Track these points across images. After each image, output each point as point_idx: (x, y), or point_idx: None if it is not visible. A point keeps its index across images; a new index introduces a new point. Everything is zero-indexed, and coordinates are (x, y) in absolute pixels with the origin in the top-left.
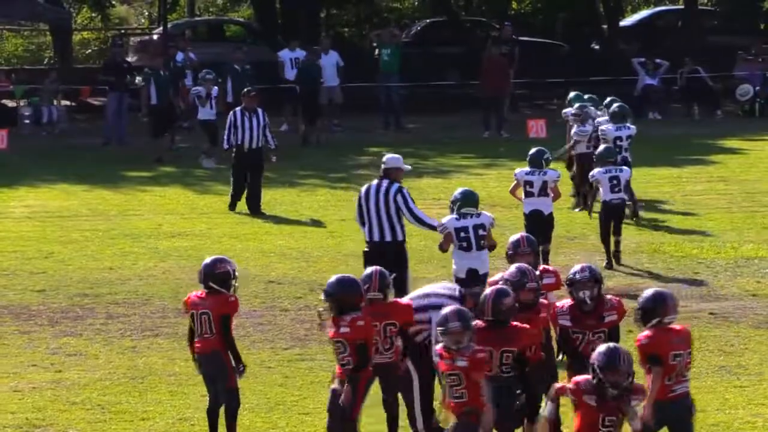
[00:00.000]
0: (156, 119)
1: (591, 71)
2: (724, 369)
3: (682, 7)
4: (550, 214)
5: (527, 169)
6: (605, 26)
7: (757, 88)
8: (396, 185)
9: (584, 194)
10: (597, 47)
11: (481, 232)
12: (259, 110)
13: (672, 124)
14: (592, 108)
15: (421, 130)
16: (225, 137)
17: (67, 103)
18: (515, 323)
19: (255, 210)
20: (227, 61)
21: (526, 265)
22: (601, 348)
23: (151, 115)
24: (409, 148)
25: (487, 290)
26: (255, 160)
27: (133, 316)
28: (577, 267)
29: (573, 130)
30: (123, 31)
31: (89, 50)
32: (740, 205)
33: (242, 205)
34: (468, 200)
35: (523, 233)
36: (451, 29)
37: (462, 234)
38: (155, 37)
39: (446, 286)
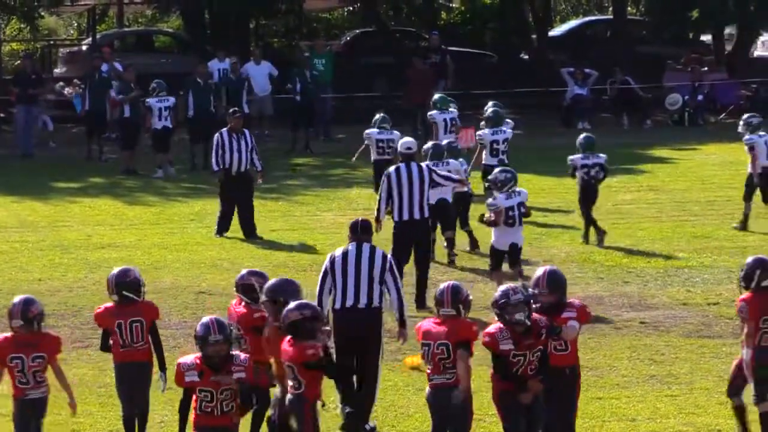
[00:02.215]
0: (126, 132)
1: (520, 81)
2: (655, 378)
3: (611, 17)
4: (452, 202)
5: (430, 162)
6: (534, 36)
7: (686, 97)
8: (424, 165)
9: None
10: (526, 57)
11: (522, 209)
12: (246, 132)
13: (601, 134)
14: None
15: (351, 140)
16: (213, 159)
17: None
18: None
19: (251, 234)
20: (157, 71)
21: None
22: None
23: (122, 128)
24: (339, 158)
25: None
26: (244, 184)
27: (63, 327)
28: (506, 289)
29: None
30: (52, 42)
31: (18, 61)
32: (670, 215)
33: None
34: (515, 179)
35: (548, 267)
36: (381, 39)
37: (510, 212)
38: (84, 48)
39: None
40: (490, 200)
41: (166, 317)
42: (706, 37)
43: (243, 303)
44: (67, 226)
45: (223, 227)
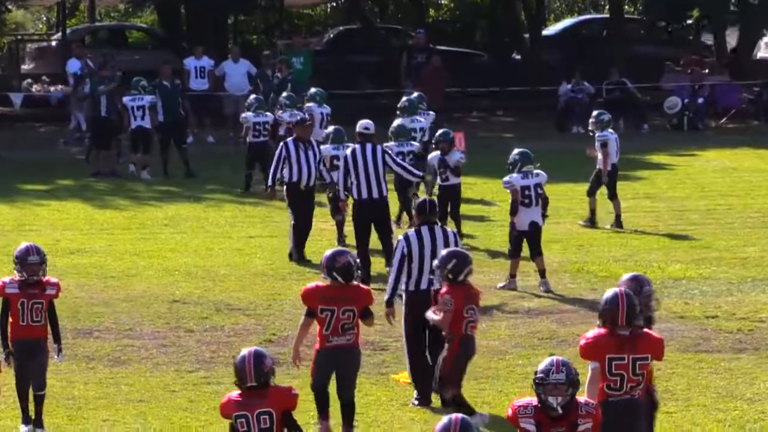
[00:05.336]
0: (99, 131)
1: (512, 82)
2: None
3: (608, 15)
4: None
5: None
6: (527, 35)
7: (686, 100)
8: (380, 146)
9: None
10: (518, 57)
11: (539, 190)
12: (313, 141)
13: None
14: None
15: None
16: (272, 172)
17: None
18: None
19: (299, 256)
20: (130, 69)
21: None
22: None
23: (95, 127)
24: None
25: (244, 352)
26: (310, 200)
27: None
28: (548, 363)
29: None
30: (20, 37)
31: None
32: (667, 223)
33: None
34: (527, 159)
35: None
36: (365, 37)
37: (526, 192)
38: (54, 43)
39: None
40: (505, 179)
41: (137, 327)
42: (708, 38)
43: None
44: (34, 230)
45: (301, 245)
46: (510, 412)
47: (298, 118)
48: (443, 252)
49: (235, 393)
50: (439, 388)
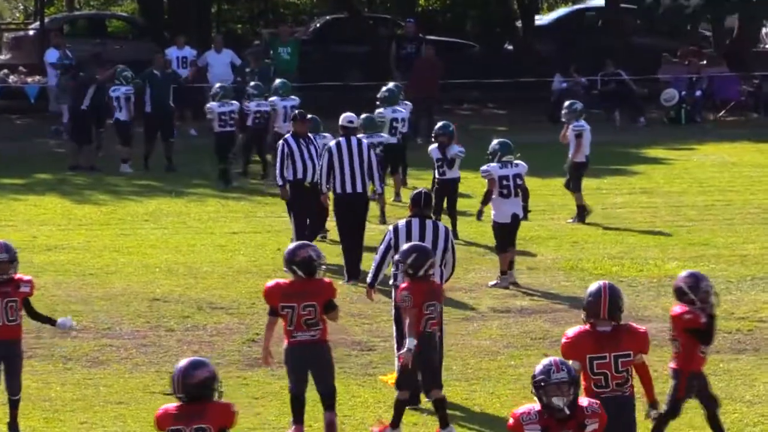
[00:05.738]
0: (78, 124)
1: (503, 73)
2: None
3: (603, 5)
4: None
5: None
6: (520, 25)
7: (683, 92)
8: (365, 141)
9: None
10: (511, 47)
11: (518, 181)
12: (312, 136)
13: (591, 131)
14: None
15: None
16: (278, 171)
17: None
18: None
19: None
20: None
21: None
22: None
23: (75, 120)
24: None
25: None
26: (316, 198)
27: None
28: (547, 364)
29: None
30: None
31: None
32: (664, 219)
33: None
34: (508, 149)
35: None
36: (353, 26)
37: (504, 182)
38: (31, 32)
39: None
40: (483, 167)
41: (116, 326)
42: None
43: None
44: (10, 225)
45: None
46: (511, 421)
47: (296, 112)
48: (404, 246)
49: (172, 405)
50: (396, 386)
